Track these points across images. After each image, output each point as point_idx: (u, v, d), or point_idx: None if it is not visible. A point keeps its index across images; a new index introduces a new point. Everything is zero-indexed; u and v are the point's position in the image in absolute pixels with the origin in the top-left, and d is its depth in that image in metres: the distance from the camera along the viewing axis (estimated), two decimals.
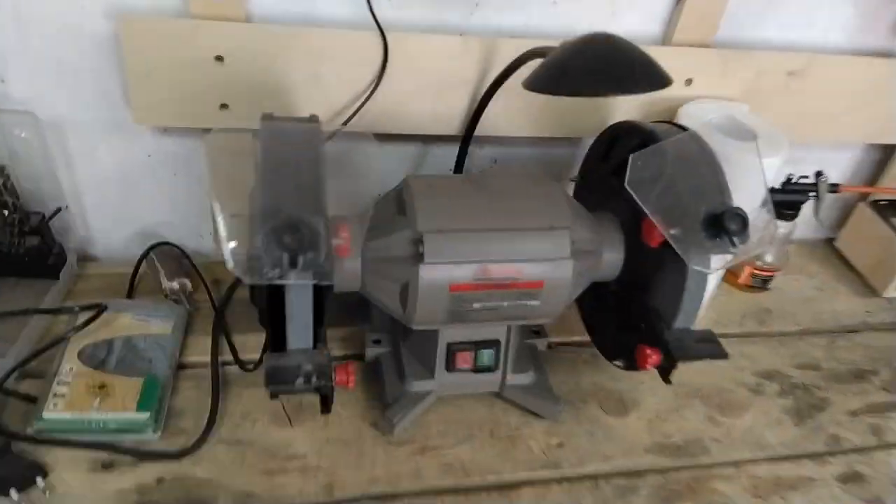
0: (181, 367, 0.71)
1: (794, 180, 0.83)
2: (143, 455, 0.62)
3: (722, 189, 0.59)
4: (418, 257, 0.58)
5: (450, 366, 0.68)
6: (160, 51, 0.64)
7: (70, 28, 0.65)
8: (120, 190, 0.77)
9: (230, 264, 0.48)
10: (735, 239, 0.57)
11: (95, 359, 0.66)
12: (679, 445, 0.71)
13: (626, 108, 0.78)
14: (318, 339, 0.57)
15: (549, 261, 0.60)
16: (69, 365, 0.65)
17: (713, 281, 0.81)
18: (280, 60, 0.67)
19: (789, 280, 0.95)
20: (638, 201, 0.57)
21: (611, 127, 0.71)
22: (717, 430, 0.73)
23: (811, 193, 0.82)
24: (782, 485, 0.68)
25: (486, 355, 0.68)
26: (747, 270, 0.90)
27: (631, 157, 0.58)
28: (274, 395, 0.56)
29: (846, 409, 0.78)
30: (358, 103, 0.71)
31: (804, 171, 0.82)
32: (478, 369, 0.69)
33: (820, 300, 0.94)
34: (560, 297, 0.63)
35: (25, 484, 0.57)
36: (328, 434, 0.66)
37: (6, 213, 0.67)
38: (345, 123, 0.71)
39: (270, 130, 0.54)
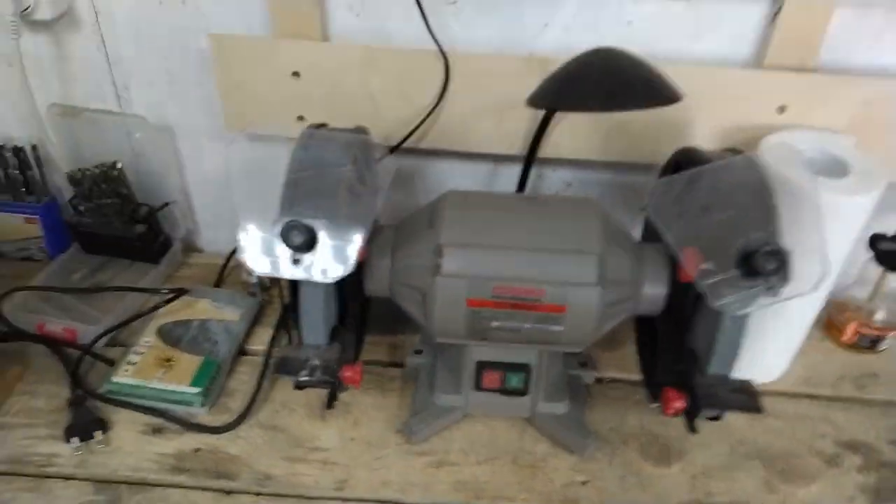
0: (244, 353, 0.77)
1: None
2: (189, 426, 0.68)
3: (767, 223, 0.54)
4: (436, 269, 0.59)
5: (478, 384, 0.68)
6: (245, 66, 0.72)
7: (179, 45, 0.75)
8: (220, 190, 0.86)
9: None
10: (772, 280, 0.52)
11: (171, 335, 0.75)
12: None
13: (704, 133, 0.73)
14: (338, 337, 0.60)
15: (573, 285, 0.59)
16: (147, 338, 0.74)
17: (797, 331, 0.73)
18: (350, 77, 0.72)
19: None
20: (659, 229, 0.54)
21: (674, 153, 0.67)
22: (771, 498, 0.65)
23: None
24: None
25: (516, 378, 0.68)
26: (853, 327, 0.80)
27: (658, 180, 0.55)
28: (299, 387, 0.60)
29: None
30: (420, 121, 0.74)
31: None
32: (506, 391, 0.68)
33: None
34: (586, 326, 0.61)
35: (87, 435, 0.66)
36: (355, 434, 0.69)
37: (117, 201, 0.78)
38: (404, 140, 0.74)
39: (308, 137, 0.58)
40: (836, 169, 0.67)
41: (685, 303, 0.61)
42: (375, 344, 0.79)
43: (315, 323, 0.58)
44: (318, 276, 0.52)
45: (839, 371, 0.80)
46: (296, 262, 0.52)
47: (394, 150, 0.75)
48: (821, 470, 0.68)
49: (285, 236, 0.51)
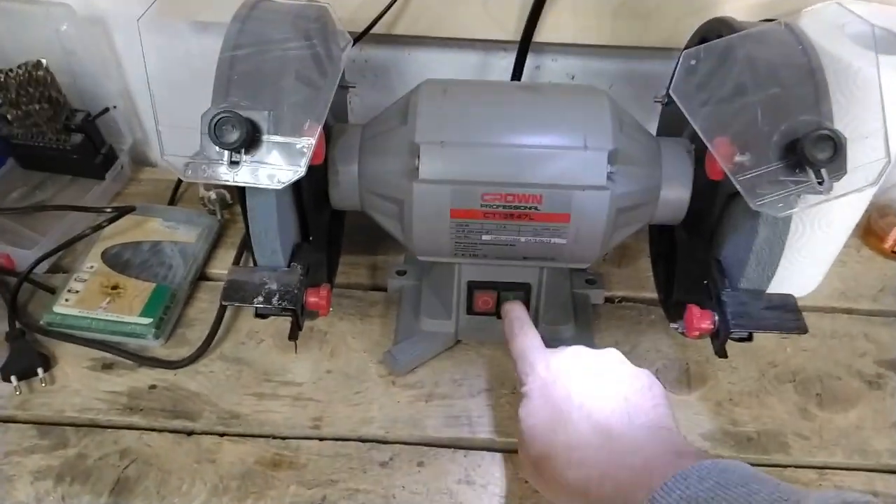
0: (204, 277, 0.68)
1: None
2: (142, 360, 0.60)
3: (816, 103, 0.43)
4: (413, 173, 0.49)
5: (470, 308, 0.60)
6: None
7: None
8: (165, 92, 0.74)
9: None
10: (822, 172, 0.41)
11: (119, 260, 0.66)
12: (750, 437, 0.57)
13: (735, 6, 0.61)
14: (300, 257, 0.51)
15: (578, 188, 0.49)
16: (91, 263, 0.65)
17: (837, 237, 0.63)
18: None
19: None
20: (686, 114, 0.43)
21: (700, 28, 0.56)
22: (806, 426, 0.58)
23: None
24: None
25: (513, 299, 0.59)
26: (895, 232, 0.70)
27: (683, 53, 0.44)
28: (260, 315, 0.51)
29: None
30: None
31: None
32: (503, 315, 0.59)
33: None
34: (594, 238, 0.51)
35: (27, 373, 0.58)
36: (331, 365, 0.61)
37: (46, 106, 0.67)
38: (374, 23, 0.62)
39: (249, 9, 0.47)
40: (889, 45, 0.55)
41: (713, 205, 0.51)
42: (354, 265, 0.70)
43: (268, 240, 0.48)
44: (263, 182, 0.42)
45: (880, 282, 0.70)
46: (233, 163, 0.42)
47: (361, 36, 0.63)
48: (861, 393, 0.60)
49: (217, 132, 0.40)
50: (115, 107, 0.73)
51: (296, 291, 0.48)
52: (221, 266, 0.69)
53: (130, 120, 0.77)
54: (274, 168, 0.42)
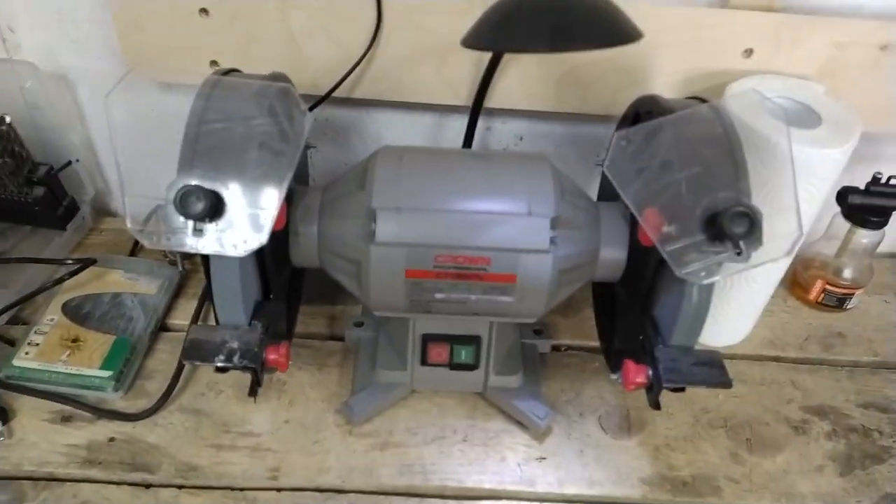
0: (165, 329, 0.70)
1: (882, 180, 0.68)
2: (101, 413, 0.61)
3: (735, 180, 0.48)
4: (370, 236, 0.52)
5: (424, 359, 0.62)
6: (145, 0, 0.62)
7: None
8: (129, 146, 0.76)
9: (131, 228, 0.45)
10: (741, 244, 0.46)
11: (79, 312, 0.67)
12: (685, 481, 0.61)
13: (665, 80, 0.67)
14: (262, 314, 0.53)
15: (523, 251, 0.52)
16: (51, 315, 0.66)
17: (764, 290, 0.69)
18: (267, 14, 0.63)
19: (874, 301, 0.79)
20: (618, 189, 0.48)
21: (633, 103, 0.61)
22: (737, 470, 0.62)
23: None
24: None
25: (465, 352, 0.62)
26: (819, 285, 0.76)
27: (615, 134, 0.48)
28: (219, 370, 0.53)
29: None
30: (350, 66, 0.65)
31: (888, 164, 0.68)
32: (454, 366, 0.62)
33: None
34: (539, 296, 0.55)
35: None
36: (289, 415, 0.63)
37: (9, 160, 0.68)
38: (333, 89, 0.65)
39: (213, 85, 0.50)
40: (806, 118, 0.61)
41: (646, 267, 0.55)
42: (312, 315, 0.72)
43: (231, 300, 0.50)
44: (227, 249, 0.45)
45: (805, 331, 0.76)
46: (198, 231, 0.44)
47: (321, 101, 0.66)
48: (789, 438, 0.65)
49: (183, 203, 0.43)
50: (77, 160, 0.75)
51: (256, 350, 0.50)
52: (182, 317, 0.71)
53: (92, 171, 0.78)
54: (237, 236, 0.45)
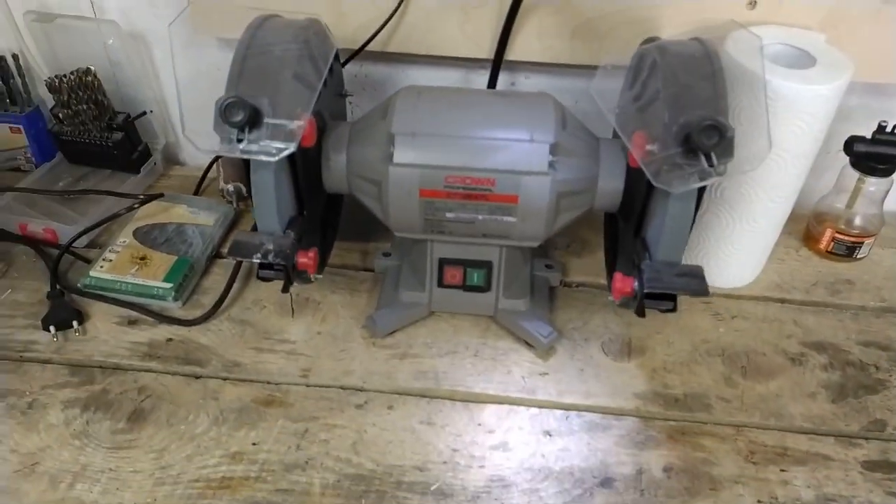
0: (219, 256, 0.79)
1: (888, 129, 0.71)
2: (162, 318, 0.71)
3: (711, 101, 0.53)
4: (389, 158, 0.60)
5: (441, 281, 0.69)
6: None
7: None
8: (196, 101, 0.87)
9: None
10: (712, 156, 0.51)
11: (147, 237, 0.77)
12: (677, 398, 0.65)
13: (673, 33, 0.71)
14: (295, 227, 0.61)
15: (524, 174, 0.59)
16: (123, 238, 0.76)
17: (766, 231, 0.72)
18: None
19: (887, 253, 0.81)
20: (603, 110, 0.53)
21: (639, 46, 0.66)
22: (729, 391, 0.66)
23: None
24: (787, 457, 0.61)
25: (477, 275, 0.68)
26: (829, 234, 0.79)
27: (603, 61, 0.54)
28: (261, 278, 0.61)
29: None
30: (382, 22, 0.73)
31: None
32: (468, 287, 0.69)
33: None
34: (539, 217, 0.61)
35: (64, 325, 0.69)
36: (322, 328, 0.71)
37: (92, 107, 0.79)
38: (369, 41, 0.73)
39: (259, 22, 0.59)
40: (802, 61, 0.65)
41: (638, 192, 0.60)
42: (348, 250, 0.80)
43: (267, 209, 0.59)
44: (263, 156, 0.53)
45: (814, 278, 0.79)
46: (239, 140, 0.53)
47: (357, 52, 0.74)
48: (784, 367, 0.68)
49: (225, 113, 0.51)
50: (151, 111, 0.85)
51: (288, 252, 0.58)
52: None
53: (164, 124, 0.89)
54: (271, 144, 0.53)
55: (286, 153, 0.53)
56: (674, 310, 0.60)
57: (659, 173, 0.52)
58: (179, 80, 0.76)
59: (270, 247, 0.59)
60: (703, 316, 0.74)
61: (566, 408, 0.64)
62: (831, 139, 0.79)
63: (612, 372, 0.68)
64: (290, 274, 0.59)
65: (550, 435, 0.62)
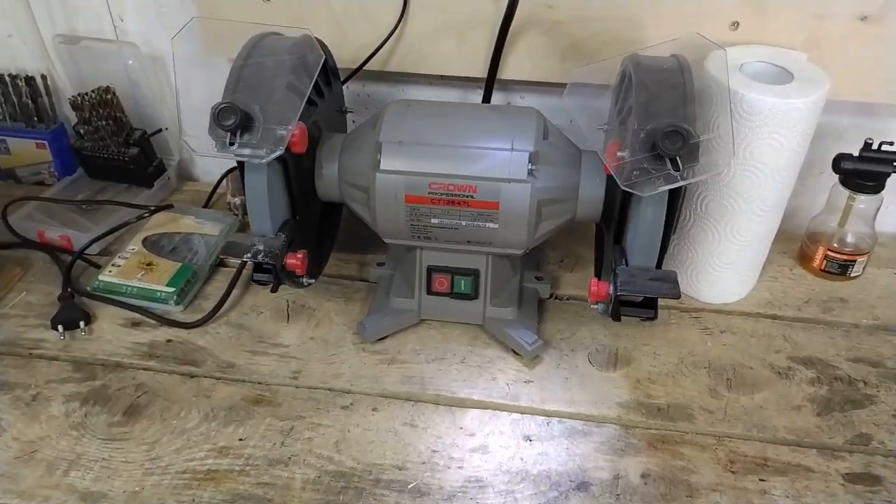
0: (223, 264, 0.83)
1: (874, 146, 0.72)
2: (163, 320, 0.74)
3: (678, 108, 0.55)
4: (376, 165, 0.63)
5: (430, 288, 0.71)
6: None
7: None
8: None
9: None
10: (678, 161, 0.53)
11: (155, 245, 0.81)
12: (659, 407, 0.66)
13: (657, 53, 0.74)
14: (287, 231, 0.64)
15: (504, 181, 0.61)
16: (133, 246, 0.80)
17: (753, 246, 0.73)
18: (315, 1, 0.76)
19: (882, 273, 0.81)
20: (573, 115, 0.56)
21: (622, 63, 0.68)
22: (713, 403, 0.66)
23: None
24: (768, 467, 0.60)
25: (464, 282, 0.70)
26: (821, 252, 0.79)
27: (575, 69, 0.57)
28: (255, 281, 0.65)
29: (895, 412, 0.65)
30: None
31: (890, 138, 0.72)
32: (455, 295, 0.71)
33: None
34: (520, 224, 0.63)
35: (71, 325, 0.72)
36: (315, 334, 0.73)
37: (111, 123, 0.84)
38: (367, 59, 0.77)
39: (258, 38, 0.63)
40: (781, 80, 0.67)
41: (615, 202, 0.62)
42: (346, 261, 0.83)
43: (260, 211, 0.62)
44: (253, 158, 0.57)
45: (806, 295, 0.79)
46: (231, 144, 0.56)
47: (357, 70, 0.78)
48: (770, 381, 0.68)
49: (218, 118, 0.55)
50: (166, 128, 0.90)
51: (277, 252, 0.61)
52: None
53: (178, 141, 0.94)
54: (262, 148, 0.57)
55: (274, 156, 0.56)
56: (654, 317, 0.62)
57: (628, 178, 0.54)
58: (181, 89, 0.81)
59: (261, 247, 0.62)
60: (691, 330, 0.74)
61: (548, 414, 0.65)
62: (823, 159, 0.80)
63: (596, 381, 0.68)
64: (278, 274, 0.62)
65: (530, 440, 0.63)
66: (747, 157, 0.65)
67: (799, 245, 0.83)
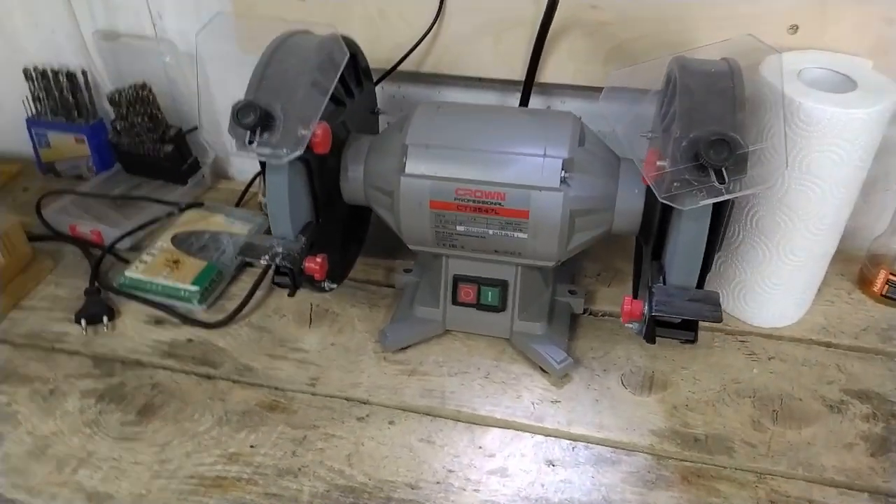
0: (250, 265, 0.81)
1: None
2: (186, 319, 0.73)
3: (725, 115, 0.50)
4: (401, 169, 0.60)
5: (455, 298, 0.68)
6: None
7: None
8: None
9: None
10: (723, 172, 0.48)
11: (184, 243, 0.80)
12: (697, 438, 0.61)
13: (706, 51, 0.69)
14: (306, 232, 0.62)
15: (535, 188, 0.58)
16: (162, 243, 0.80)
17: (808, 267, 0.67)
18: (351, 1, 0.74)
19: None
20: (611, 121, 0.52)
21: (668, 65, 0.64)
22: (756, 436, 0.61)
23: None
24: None
25: (491, 293, 0.67)
26: (883, 276, 0.73)
27: (613, 71, 0.53)
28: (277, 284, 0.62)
29: None
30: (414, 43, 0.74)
31: None
32: (482, 306, 0.68)
33: None
34: (551, 235, 0.59)
35: (95, 320, 0.72)
36: (336, 340, 0.71)
37: (147, 119, 0.84)
38: (401, 60, 0.75)
39: (285, 36, 0.61)
40: (843, 88, 0.61)
41: (654, 215, 0.58)
42: (373, 266, 0.80)
43: (279, 213, 0.60)
44: (272, 158, 0.55)
45: (865, 322, 0.73)
46: (251, 142, 0.54)
47: (390, 71, 0.76)
48: (820, 414, 0.63)
49: (238, 116, 0.53)
50: (203, 126, 0.90)
51: (296, 256, 0.59)
52: None
53: (213, 139, 0.93)
54: (282, 147, 0.55)
55: (294, 155, 0.54)
56: (694, 340, 0.57)
57: (667, 190, 0.50)
58: (216, 87, 0.80)
59: (279, 250, 0.60)
60: (736, 354, 0.69)
61: (575, 438, 0.61)
62: (889, 175, 0.74)
63: (629, 405, 0.64)
64: (295, 278, 0.60)
65: (553, 465, 0.59)
66: (803, 171, 0.60)
67: (859, 267, 0.77)
